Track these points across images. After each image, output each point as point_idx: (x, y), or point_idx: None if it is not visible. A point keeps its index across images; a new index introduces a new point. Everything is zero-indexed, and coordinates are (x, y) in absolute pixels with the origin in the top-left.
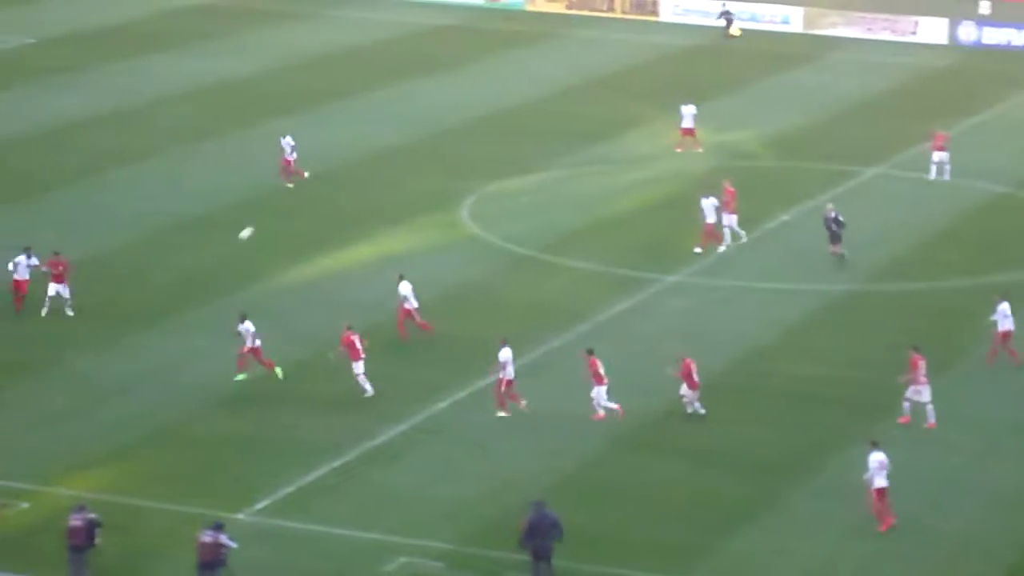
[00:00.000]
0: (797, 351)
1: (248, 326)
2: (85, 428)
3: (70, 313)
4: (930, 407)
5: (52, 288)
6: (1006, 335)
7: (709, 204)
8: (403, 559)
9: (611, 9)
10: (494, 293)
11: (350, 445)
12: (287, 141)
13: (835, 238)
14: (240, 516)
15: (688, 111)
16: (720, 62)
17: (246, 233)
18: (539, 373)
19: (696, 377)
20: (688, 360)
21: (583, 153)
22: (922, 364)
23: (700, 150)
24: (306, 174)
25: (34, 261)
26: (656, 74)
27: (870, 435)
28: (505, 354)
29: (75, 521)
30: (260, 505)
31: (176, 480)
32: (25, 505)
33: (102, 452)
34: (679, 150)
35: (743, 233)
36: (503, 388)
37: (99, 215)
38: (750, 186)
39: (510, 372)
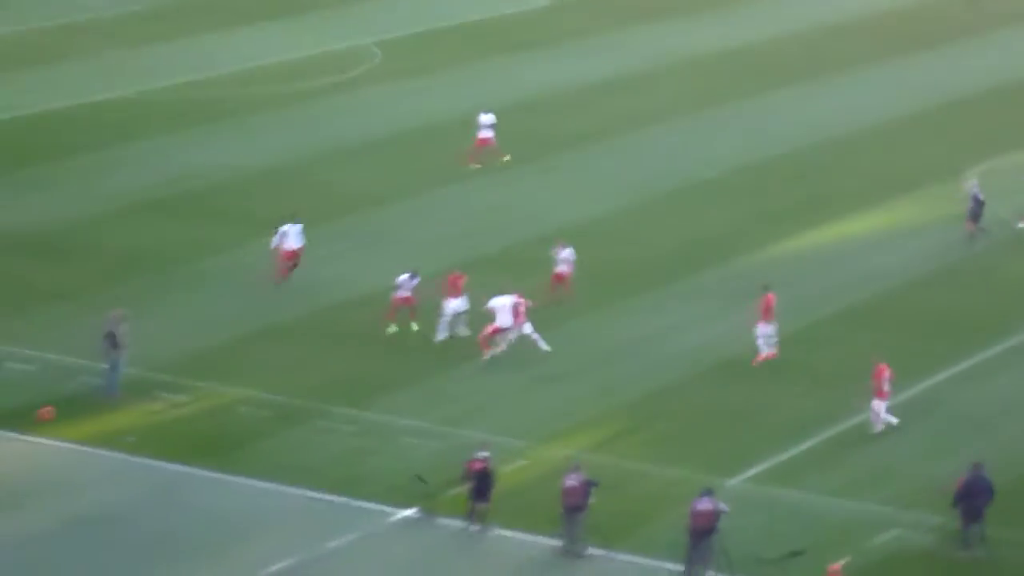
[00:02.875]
0: None
1: None
2: (581, 389)
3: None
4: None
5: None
6: None
7: None
8: (896, 531)
9: None
10: (998, 266)
11: (844, 416)
12: (487, 119)
13: (974, 216)
14: (731, 482)
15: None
16: None
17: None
18: None
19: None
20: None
21: None
22: (887, 374)
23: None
24: (506, 157)
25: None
26: None
27: None
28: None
29: (571, 481)
30: (751, 472)
31: (668, 444)
32: (523, 462)
33: (597, 413)
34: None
35: None
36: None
37: (605, 179)
38: None
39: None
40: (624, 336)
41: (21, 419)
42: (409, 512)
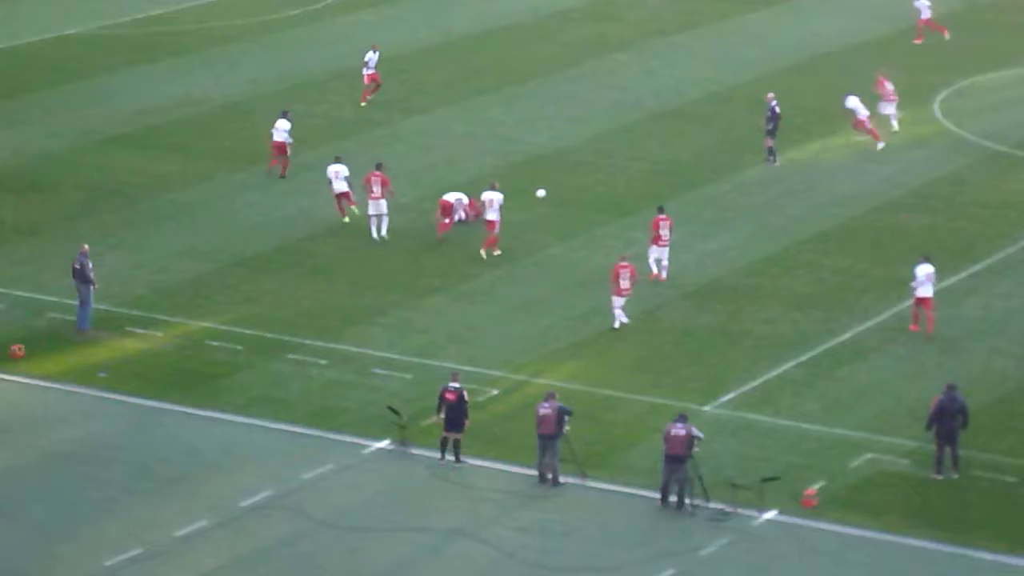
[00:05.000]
0: None
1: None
2: (554, 318)
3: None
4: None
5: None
6: (923, 302)
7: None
8: (869, 455)
9: None
10: (965, 189)
11: (819, 340)
12: (373, 57)
13: (771, 131)
14: (706, 408)
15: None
16: None
17: (541, 193)
18: (1007, 271)
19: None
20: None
21: None
22: (625, 271)
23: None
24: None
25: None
26: None
27: None
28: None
29: (545, 409)
30: (726, 397)
31: (642, 371)
32: (495, 392)
33: (571, 341)
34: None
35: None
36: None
37: (573, 107)
38: None
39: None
40: (595, 264)
41: None
42: (383, 444)
